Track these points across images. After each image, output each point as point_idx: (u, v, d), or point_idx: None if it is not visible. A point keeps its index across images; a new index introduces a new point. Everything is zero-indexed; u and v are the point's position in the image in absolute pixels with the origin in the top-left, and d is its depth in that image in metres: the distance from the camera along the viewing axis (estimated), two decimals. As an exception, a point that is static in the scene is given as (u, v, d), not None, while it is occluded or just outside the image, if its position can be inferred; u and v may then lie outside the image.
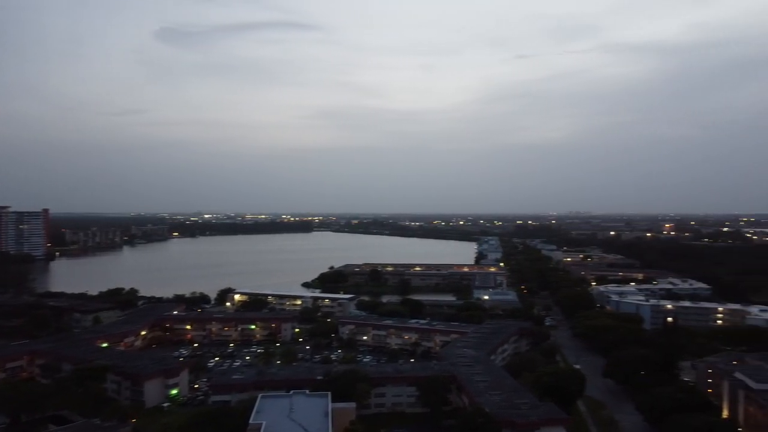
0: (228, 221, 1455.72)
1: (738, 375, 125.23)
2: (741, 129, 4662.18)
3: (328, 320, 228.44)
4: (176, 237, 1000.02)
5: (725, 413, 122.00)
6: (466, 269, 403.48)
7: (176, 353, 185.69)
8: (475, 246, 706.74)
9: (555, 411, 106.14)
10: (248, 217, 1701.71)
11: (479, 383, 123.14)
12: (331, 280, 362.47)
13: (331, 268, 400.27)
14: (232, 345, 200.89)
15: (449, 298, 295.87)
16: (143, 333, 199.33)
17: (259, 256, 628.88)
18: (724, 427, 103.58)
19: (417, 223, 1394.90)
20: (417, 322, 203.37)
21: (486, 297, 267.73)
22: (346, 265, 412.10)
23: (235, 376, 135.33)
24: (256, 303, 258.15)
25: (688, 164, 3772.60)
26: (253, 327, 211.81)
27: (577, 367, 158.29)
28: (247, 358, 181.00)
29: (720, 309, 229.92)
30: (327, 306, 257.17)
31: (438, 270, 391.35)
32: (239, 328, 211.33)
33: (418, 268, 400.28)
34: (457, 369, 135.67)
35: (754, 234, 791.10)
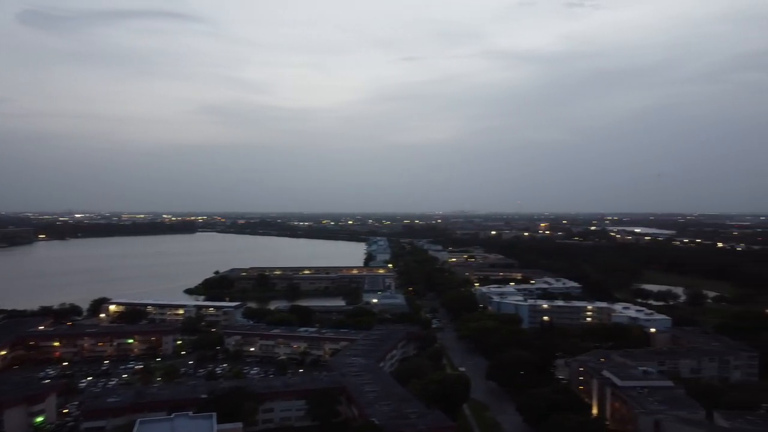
0: (103, 221, 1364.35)
1: (605, 373, 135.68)
2: (606, 134, 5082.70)
3: (213, 330, 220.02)
4: (43, 239, 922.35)
5: (595, 410, 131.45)
6: (355, 271, 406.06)
7: (42, 374, 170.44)
8: (364, 246, 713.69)
9: (442, 419, 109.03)
10: (125, 216, 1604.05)
11: (369, 393, 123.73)
12: (216, 286, 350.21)
13: (216, 272, 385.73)
14: (107, 362, 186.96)
15: (339, 302, 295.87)
16: (3, 353, 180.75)
17: (137, 260, 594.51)
18: (594, 425, 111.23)
19: (306, 223, 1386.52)
20: (306, 331, 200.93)
21: (375, 300, 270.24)
22: (232, 270, 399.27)
23: (110, 399, 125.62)
24: (133, 314, 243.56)
25: (561, 166, 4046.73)
26: (130, 341, 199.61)
27: (462, 369, 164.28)
28: (124, 376, 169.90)
29: (589, 307, 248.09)
30: (212, 315, 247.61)
31: (327, 273, 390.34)
32: (115, 343, 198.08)
33: (307, 272, 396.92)
34: (346, 379, 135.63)
35: (617, 233, 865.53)
